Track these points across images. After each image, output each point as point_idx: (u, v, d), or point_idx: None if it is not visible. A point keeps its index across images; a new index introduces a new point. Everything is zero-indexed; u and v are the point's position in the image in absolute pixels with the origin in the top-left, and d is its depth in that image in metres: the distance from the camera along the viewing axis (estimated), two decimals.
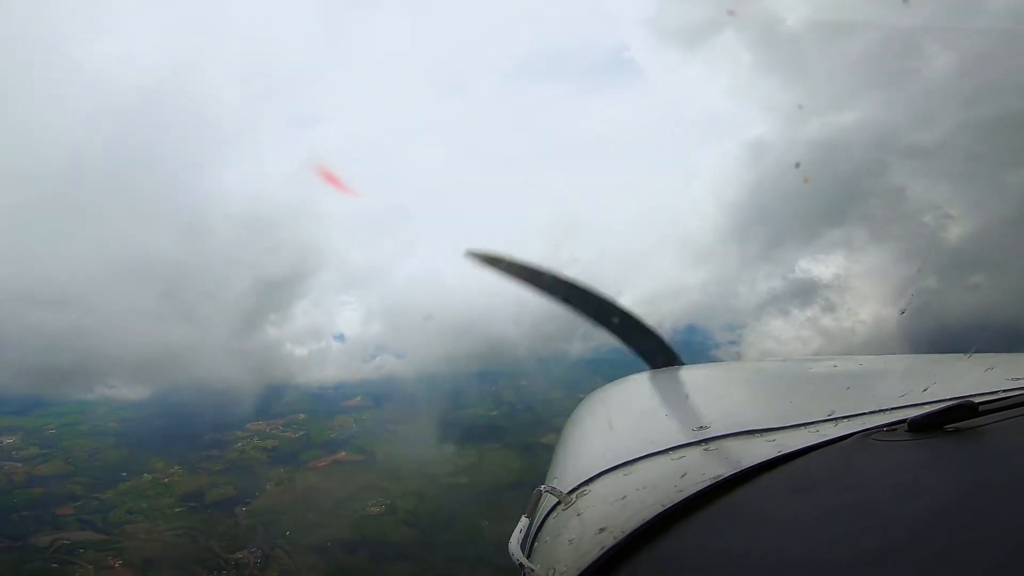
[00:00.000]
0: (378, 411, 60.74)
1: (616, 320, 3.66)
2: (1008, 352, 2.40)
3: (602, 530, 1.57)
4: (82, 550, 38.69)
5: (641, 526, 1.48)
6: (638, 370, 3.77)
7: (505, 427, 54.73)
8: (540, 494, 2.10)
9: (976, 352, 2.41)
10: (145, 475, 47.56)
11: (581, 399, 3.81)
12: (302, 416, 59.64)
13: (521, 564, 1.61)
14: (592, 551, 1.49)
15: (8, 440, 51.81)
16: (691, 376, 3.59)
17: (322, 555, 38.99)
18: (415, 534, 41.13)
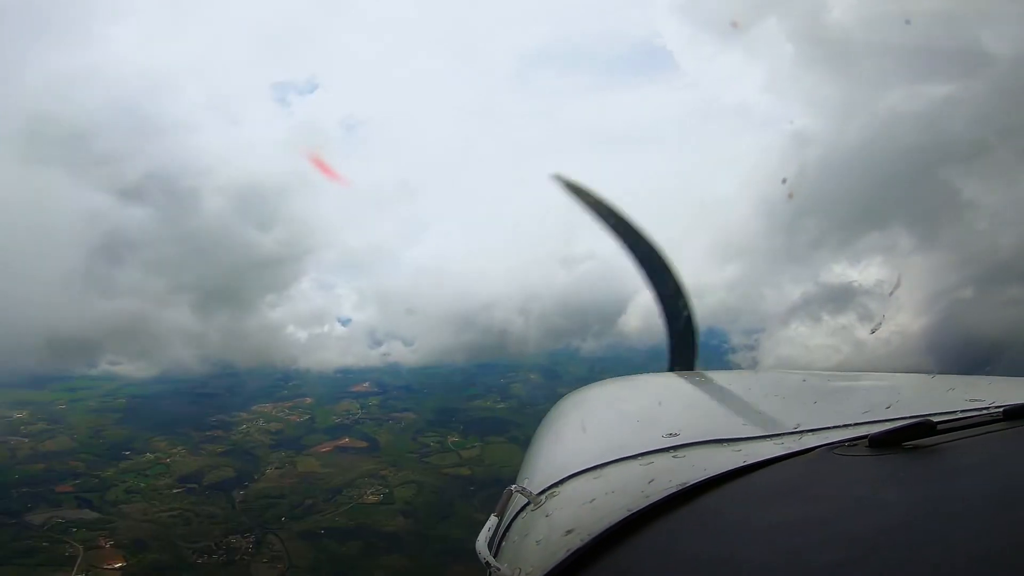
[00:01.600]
0: (385, 398, 60.37)
1: (673, 300, 3.73)
2: (969, 374, 2.51)
3: (569, 532, 1.59)
4: (75, 529, 38.40)
5: (607, 529, 1.51)
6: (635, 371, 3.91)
7: (511, 421, 53.82)
8: (510, 493, 2.09)
9: (940, 373, 2.56)
10: (147, 454, 47.71)
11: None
12: (309, 400, 59.81)
13: (488, 563, 1.63)
14: (559, 552, 1.51)
15: (18, 415, 52.47)
16: (664, 383, 3.63)
17: (313, 543, 38.31)
18: (410, 524, 40.36)
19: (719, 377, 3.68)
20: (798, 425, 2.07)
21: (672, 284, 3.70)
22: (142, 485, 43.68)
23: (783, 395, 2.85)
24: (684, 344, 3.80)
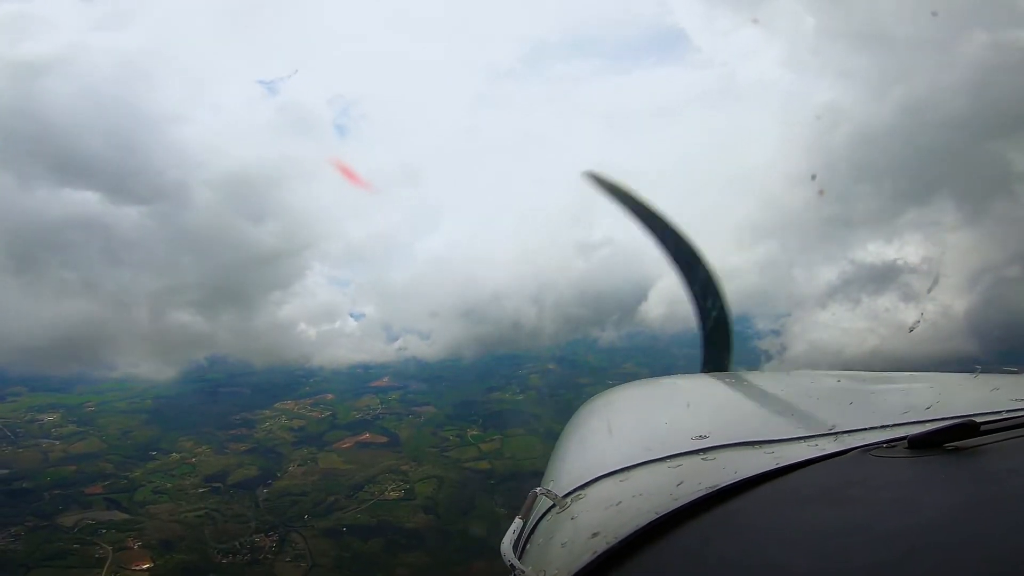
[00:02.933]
0: (404, 392, 60.71)
1: (708, 299, 3.66)
2: (1015, 373, 2.36)
3: (595, 535, 1.57)
4: (104, 531, 39.12)
5: (634, 532, 1.48)
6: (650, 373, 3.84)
7: (530, 413, 53.89)
8: (535, 496, 2.08)
9: (982, 372, 2.40)
10: (173, 454, 48.47)
11: (594, 393, 3.73)
12: (330, 396, 60.42)
13: (512, 565, 1.60)
14: (584, 555, 1.49)
15: (49, 418, 53.43)
16: (693, 385, 3.58)
17: (336, 540, 38.62)
18: (431, 521, 40.47)
19: (750, 378, 3.62)
20: (833, 426, 2.04)
21: (707, 283, 3.65)
22: (169, 485, 44.37)
23: (817, 396, 2.76)
24: (718, 345, 3.75)
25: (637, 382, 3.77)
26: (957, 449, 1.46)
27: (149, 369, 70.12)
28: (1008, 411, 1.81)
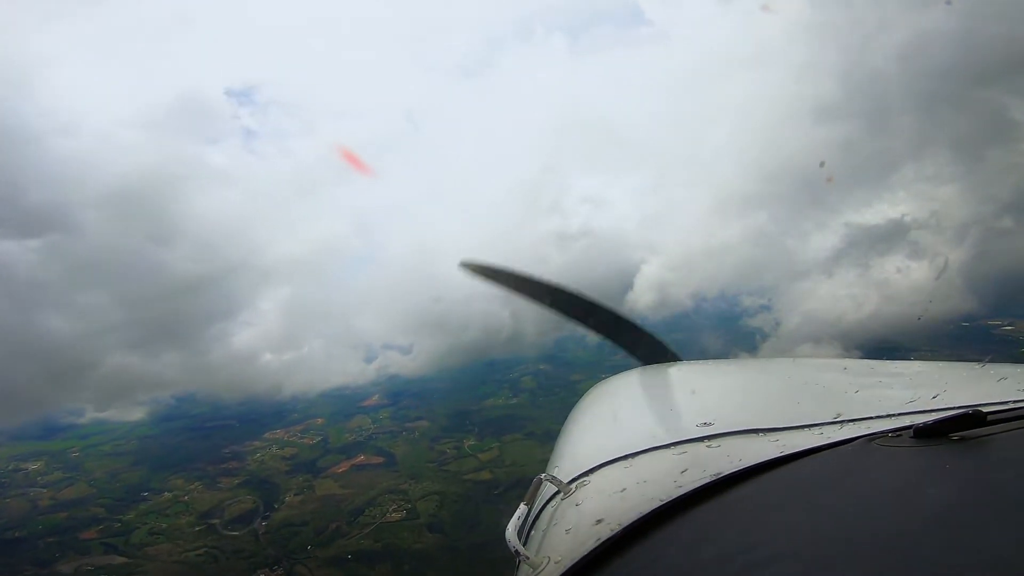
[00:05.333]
0: (396, 408, 60.38)
1: (610, 323, 3.73)
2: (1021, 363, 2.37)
3: (600, 521, 1.60)
4: (104, 575, 38.57)
5: (639, 519, 1.51)
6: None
7: (526, 416, 53.88)
8: (540, 482, 2.08)
9: (990, 361, 2.37)
10: (165, 493, 47.77)
11: (589, 387, 3.74)
12: (320, 420, 60.11)
13: (517, 551, 1.60)
14: (589, 542, 1.51)
15: (33, 466, 53.49)
16: (697, 372, 3.63)
17: (343, 568, 37.68)
18: (438, 540, 39.69)
19: (755, 366, 3.64)
20: (838, 415, 2.04)
21: (602, 312, 3.71)
22: (164, 525, 43.56)
23: (822, 384, 2.77)
24: (644, 343, 3.79)
25: (639, 369, 3.71)
26: (963, 439, 1.44)
27: (117, 412, 69.26)
28: (1015, 401, 1.80)
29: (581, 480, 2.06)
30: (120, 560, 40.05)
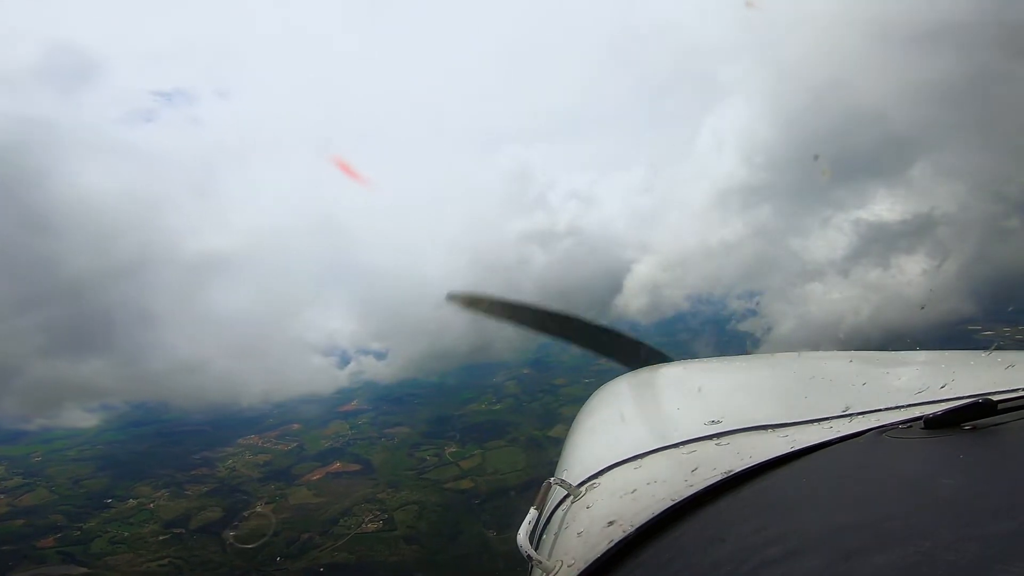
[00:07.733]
0: (375, 414, 59.35)
1: (602, 338, 3.80)
2: None
3: (611, 523, 1.60)
4: None
5: (651, 520, 1.51)
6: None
7: (509, 422, 52.77)
8: (549, 486, 2.06)
9: (997, 349, 2.39)
10: (130, 500, 46.01)
11: (593, 390, 3.72)
12: (296, 426, 58.45)
13: (529, 556, 1.61)
14: (601, 544, 1.51)
15: None
16: (704, 370, 3.63)
17: None
18: (415, 552, 38.14)
19: (762, 361, 3.59)
20: (847, 408, 2.04)
21: (585, 324, 3.74)
22: (126, 534, 41.79)
23: (829, 378, 2.74)
24: (627, 348, 3.83)
25: (646, 369, 3.66)
26: (974, 428, 1.44)
27: (65, 419, 67.14)
28: None
29: (591, 482, 2.03)
30: (80, 571, 38.38)
